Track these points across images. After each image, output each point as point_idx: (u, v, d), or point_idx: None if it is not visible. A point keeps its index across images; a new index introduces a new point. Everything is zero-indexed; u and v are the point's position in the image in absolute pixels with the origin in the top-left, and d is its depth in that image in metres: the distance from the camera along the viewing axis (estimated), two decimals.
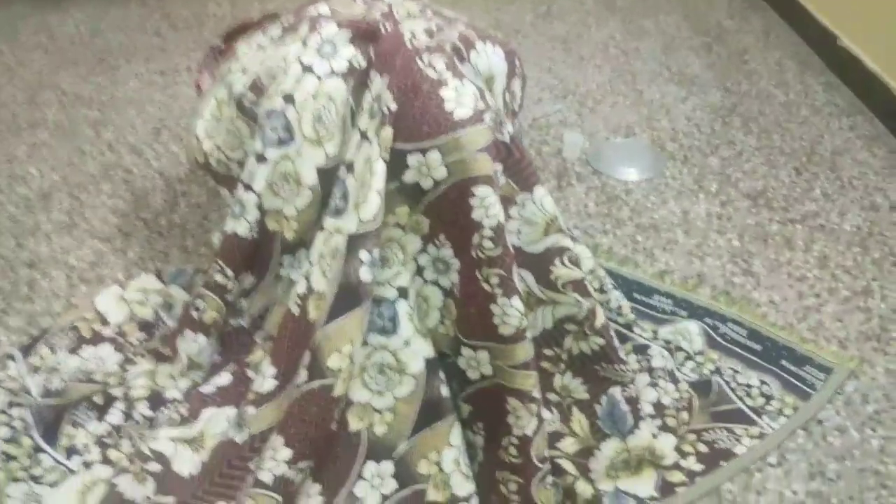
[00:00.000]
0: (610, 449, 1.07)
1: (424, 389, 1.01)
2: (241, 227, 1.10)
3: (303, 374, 0.96)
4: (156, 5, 2.61)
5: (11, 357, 1.22)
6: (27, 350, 1.23)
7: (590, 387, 1.09)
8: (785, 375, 1.24)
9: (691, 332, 1.29)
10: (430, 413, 1.01)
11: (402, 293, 1.00)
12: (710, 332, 1.31)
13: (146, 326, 1.29)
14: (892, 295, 1.41)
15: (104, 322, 1.29)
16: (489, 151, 0.95)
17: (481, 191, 0.94)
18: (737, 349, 1.28)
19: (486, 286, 0.96)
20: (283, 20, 1.26)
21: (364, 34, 1.06)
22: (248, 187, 1.09)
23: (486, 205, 0.95)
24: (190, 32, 2.42)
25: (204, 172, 1.36)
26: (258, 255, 1.13)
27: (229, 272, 1.11)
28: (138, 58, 2.25)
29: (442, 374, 1.02)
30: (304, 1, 1.28)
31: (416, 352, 1.00)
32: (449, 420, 1.01)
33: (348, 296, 0.96)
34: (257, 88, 1.13)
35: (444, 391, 1.02)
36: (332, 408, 0.95)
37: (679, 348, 1.26)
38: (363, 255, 0.95)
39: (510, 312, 0.96)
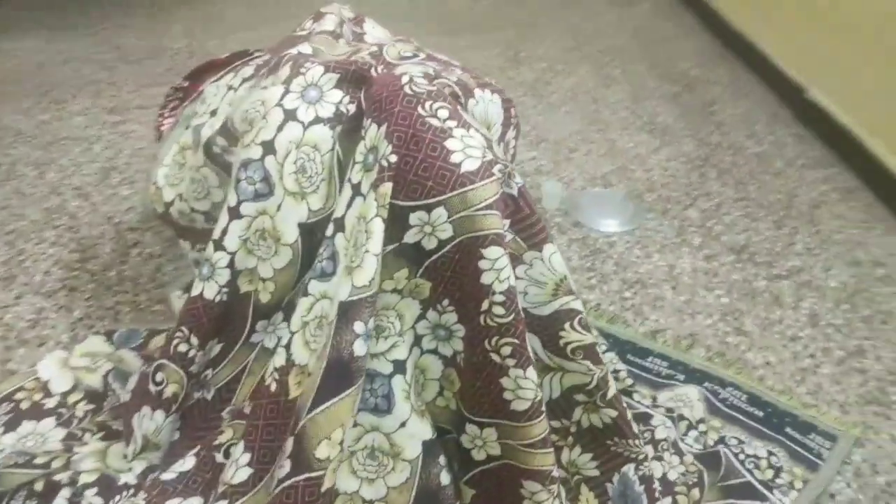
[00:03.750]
0: None
1: (420, 477, 0.90)
2: (210, 289, 0.98)
3: (286, 466, 0.83)
4: (108, 36, 2.48)
5: None
6: None
7: (600, 463, 0.99)
8: (791, 444, 1.17)
9: (691, 398, 1.22)
10: None
11: (399, 367, 0.89)
12: (711, 397, 1.23)
13: (94, 397, 1.14)
14: (886, 355, 1.37)
15: (47, 392, 1.14)
16: (498, 207, 0.87)
17: (491, 252, 0.85)
18: (739, 416, 1.21)
19: (495, 357, 0.86)
20: (257, 59, 1.16)
21: (354, 77, 0.97)
22: (219, 245, 0.97)
23: (498, 267, 0.85)
24: (143, 66, 2.29)
25: (163, 223, 1.23)
26: (228, 319, 1.00)
27: (195, 340, 0.99)
28: (86, 93, 2.10)
29: (442, 459, 0.91)
30: (278, 39, 1.19)
31: (413, 434, 0.89)
32: None
33: (339, 374, 0.84)
34: (229, 134, 1.03)
35: (445, 478, 0.91)
36: None
37: (681, 416, 1.18)
38: (357, 326, 0.84)
39: (525, 385, 0.86)
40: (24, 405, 1.12)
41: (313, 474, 0.83)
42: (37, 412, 1.11)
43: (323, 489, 0.83)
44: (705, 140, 2.09)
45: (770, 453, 1.15)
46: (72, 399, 1.14)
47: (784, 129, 2.16)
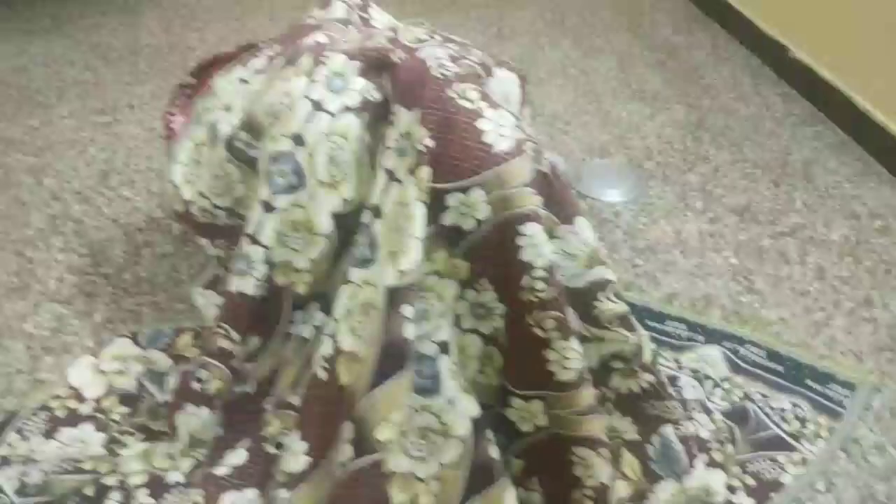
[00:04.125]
0: (665, 492, 1.01)
1: (473, 452, 0.91)
2: (248, 284, 0.98)
3: (346, 450, 0.85)
4: (83, 37, 2.42)
5: None
6: None
7: (640, 426, 1.02)
8: (812, 395, 1.21)
9: (714, 358, 1.25)
10: (480, 478, 0.91)
11: (443, 348, 0.91)
12: (731, 356, 1.27)
13: (129, 399, 1.14)
14: (892, 303, 1.42)
15: (80, 398, 1.14)
16: (533, 185, 0.88)
17: (529, 228, 0.86)
18: (760, 372, 1.25)
19: (538, 331, 0.88)
20: (266, 50, 1.15)
21: (376, 64, 0.97)
22: (254, 240, 0.97)
23: (536, 243, 0.87)
24: (124, 64, 2.25)
25: (181, 221, 1.23)
26: (266, 313, 1.01)
27: (235, 335, 0.99)
28: (70, 95, 2.06)
29: (489, 433, 0.93)
30: (284, 29, 1.18)
31: (462, 412, 0.91)
32: (502, 484, 0.92)
33: (393, 357, 0.86)
34: (253, 128, 1.02)
35: (494, 451, 0.93)
36: (386, 486, 0.85)
37: (706, 376, 1.21)
38: (406, 309, 0.86)
39: (570, 356, 0.88)
40: (60, 413, 1.12)
41: (376, 456, 0.84)
42: (73, 419, 1.11)
43: (387, 470, 0.85)
44: (695, 105, 2.11)
45: (794, 405, 1.19)
46: (106, 403, 1.14)
47: (770, 90, 2.19)
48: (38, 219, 1.55)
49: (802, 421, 1.17)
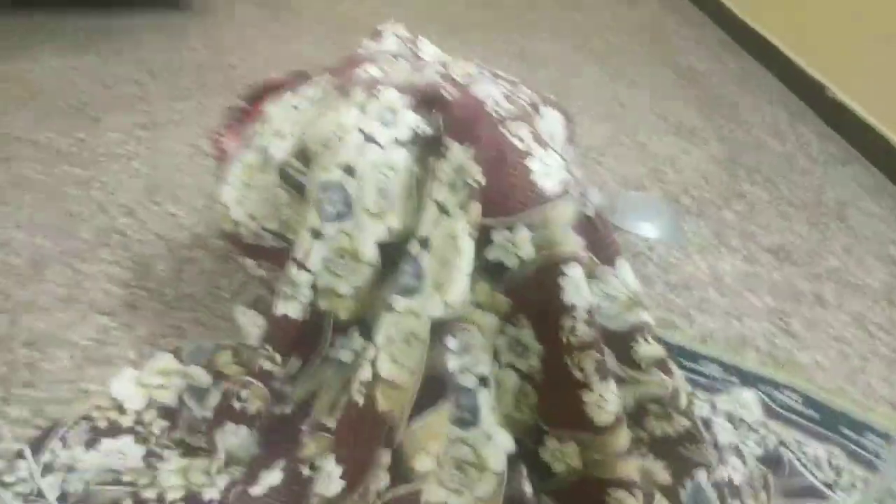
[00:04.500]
0: None
1: (506, 488, 0.92)
2: (293, 308, 1.00)
3: (383, 478, 0.86)
4: (131, 52, 2.49)
5: (21, 455, 1.08)
6: (37, 446, 1.09)
7: (673, 470, 1.02)
8: (848, 444, 1.20)
9: (748, 402, 1.25)
10: None
11: (483, 381, 0.92)
12: (767, 399, 1.26)
13: (168, 414, 1.16)
14: None
15: (121, 410, 1.16)
16: (576, 228, 0.89)
17: (572, 270, 0.88)
18: (796, 417, 1.24)
19: (576, 373, 0.89)
20: (321, 80, 1.18)
21: (427, 100, 0.99)
22: (301, 265, 1.00)
23: (578, 285, 0.88)
24: (169, 80, 2.31)
25: (228, 242, 1.26)
26: (307, 337, 1.03)
27: (277, 358, 1.01)
28: (117, 109, 2.12)
29: (523, 470, 0.94)
30: (339, 59, 1.21)
31: (499, 446, 0.92)
32: None
33: (434, 388, 0.87)
34: (304, 156, 1.05)
35: (528, 488, 0.94)
36: None
37: (741, 420, 1.21)
38: (450, 341, 0.87)
39: (609, 398, 0.89)
40: (101, 424, 1.14)
41: (413, 486, 0.86)
42: (114, 430, 1.13)
43: (423, 500, 0.86)
44: (728, 138, 2.12)
45: (829, 453, 1.18)
46: (147, 417, 1.16)
47: (805, 127, 2.19)
48: (85, 230, 1.59)
49: (838, 470, 1.16)
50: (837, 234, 1.73)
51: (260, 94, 1.27)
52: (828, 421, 1.24)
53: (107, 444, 1.11)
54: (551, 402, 0.92)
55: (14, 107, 2.10)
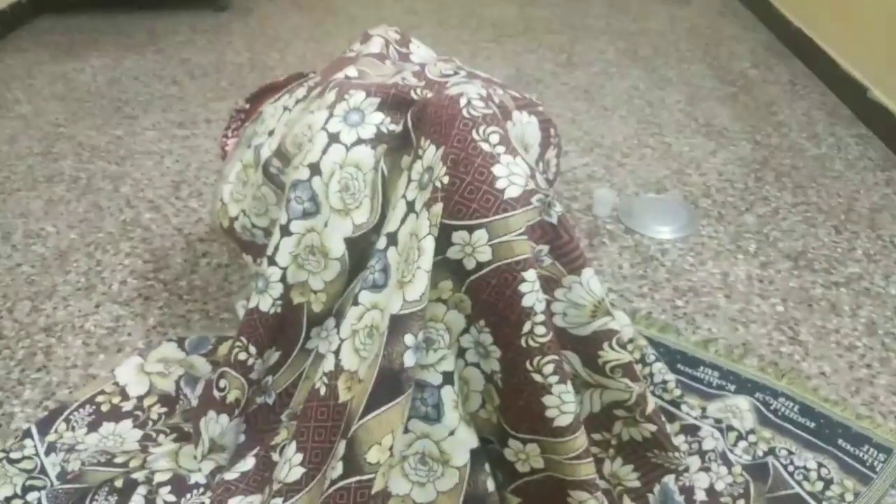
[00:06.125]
0: None
1: (468, 483, 0.94)
2: (265, 302, 1.04)
3: (338, 468, 0.89)
4: (173, 53, 2.60)
5: (29, 434, 1.15)
6: (44, 426, 1.17)
7: (641, 474, 1.02)
8: (842, 456, 1.17)
9: (741, 409, 1.22)
10: None
11: (448, 378, 0.94)
12: (762, 407, 1.24)
13: (167, 400, 1.22)
14: None
15: (125, 396, 1.22)
16: (536, 236, 0.90)
17: (530, 275, 0.88)
18: (790, 427, 1.21)
19: (537, 377, 0.90)
20: (309, 81, 1.22)
21: (394, 100, 1.01)
22: (272, 261, 1.04)
23: (536, 289, 0.89)
24: (208, 80, 2.40)
25: (227, 238, 1.31)
26: (284, 329, 1.07)
27: (252, 349, 1.06)
28: (155, 107, 2.22)
29: (487, 466, 0.96)
30: (331, 58, 1.24)
31: (462, 442, 0.94)
32: None
33: (390, 383, 0.89)
34: (283, 156, 1.09)
35: (490, 485, 0.95)
36: None
37: (730, 427, 1.19)
38: (408, 338, 0.89)
39: (567, 399, 0.89)
40: (105, 408, 1.21)
41: (364, 477, 0.88)
42: (116, 414, 1.20)
43: (373, 491, 0.88)
44: (763, 142, 2.06)
45: (820, 465, 1.15)
46: (147, 402, 1.22)
47: (844, 130, 2.11)
48: (110, 223, 1.67)
49: (827, 482, 1.13)
50: (864, 241, 1.67)
51: (262, 96, 1.32)
52: (824, 432, 1.20)
53: (107, 427, 1.18)
54: (513, 406, 0.93)
55: (59, 105, 2.22)
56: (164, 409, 1.21)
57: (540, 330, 0.88)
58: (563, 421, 0.90)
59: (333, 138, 0.99)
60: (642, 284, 1.53)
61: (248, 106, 1.32)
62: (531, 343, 0.89)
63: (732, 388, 1.28)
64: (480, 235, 0.88)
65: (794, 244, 1.66)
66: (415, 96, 0.99)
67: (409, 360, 0.89)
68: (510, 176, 0.90)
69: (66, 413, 1.19)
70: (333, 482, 0.89)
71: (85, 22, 2.87)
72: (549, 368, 0.89)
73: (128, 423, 1.19)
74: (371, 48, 1.16)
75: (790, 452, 1.17)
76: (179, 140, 2.04)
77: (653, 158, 1.99)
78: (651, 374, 1.19)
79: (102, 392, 1.23)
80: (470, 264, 0.90)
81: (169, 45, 2.65)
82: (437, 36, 2.68)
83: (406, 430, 0.94)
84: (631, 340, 1.21)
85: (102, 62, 2.49)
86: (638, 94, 2.34)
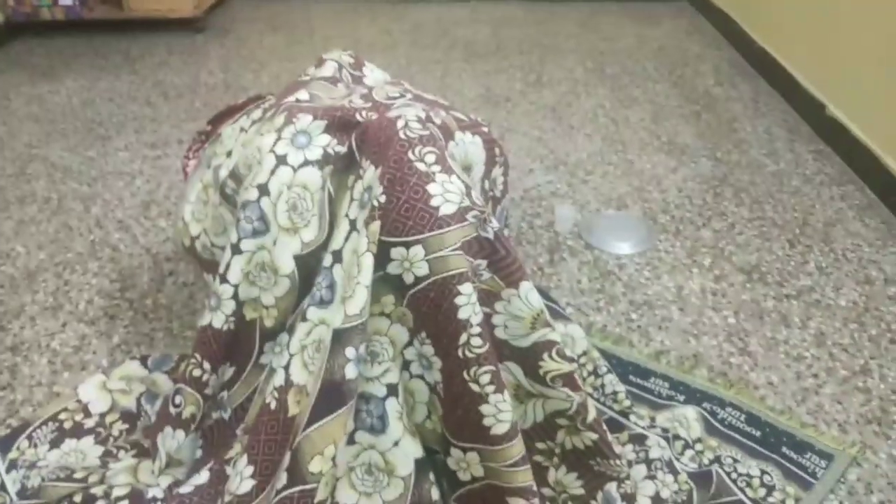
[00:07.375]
0: None
1: (413, 492, 0.97)
2: (217, 319, 1.08)
3: (282, 478, 0.92)
4: (148, 74, 2.64)
5: None
6: (6, 443, 1.19)
7: (585, 482, 1.05)
8: (786, 464, 1.21)
9: (689, 419, 1.26)
10: None
11: (392, 390, 0.97)
12: (709, 417, 1.27)
13: (129, 417, 1.25)
14: (890, 374, 1.39)
15: (87, 413, 1.25)
16: (473, 251, 0.94)
17: (466, 288, 0.92)
18: (736, 435, 1.25)
19: (474, 386, 0.93)
20: (265, 103, 1.26)
21: (340, 123, 1.06)
22: (223, 279, 1.07)
23: (472, 301, 0.93)
24: (182, 101, 2.44)
25: (189, 257, 1.34)
26: (237, 345, 1.10)
27: (206, 365, 1.09)
28: (128, 129, 2.25)
29: (432, 476, 0.99)
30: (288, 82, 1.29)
31: (406, 453, 0.97)
32: None
33: (332, 395, 0.93)
34: (236, 177, 1.13)
35: (435, 493, 0.98)
36: None
37: (677, 436, 1.22)
38: (349, 351, 0.93)
39: (504, 408, 0.93)
40: (67, 425, 1.23)
41: (307, 486, 0.91)
42: (78, 431, 1.22)
43: (315, 500, 0.91)
44: (723, 159, 2.12)
45: (763, 472, 1.19)
46: (109, 419, 1.24)
47: (804, 146, 2.17)
48: (80, 244, 1.70)
49: (769, 489, 1.17)
50: (818, 254, 1.72)
51: (222, 117, 1.36)
52: (769, 440, 1.24)
53: (69, 443, 1.20)
54: (452, 414, 0.97)
55: (34, 126, 2.25)
56: (125, 426, 1.24)
57: (476, 341, 0.92)
58: (500, 429, 0.93)
59: (281, 160, 1.03)
60: (599, 298, 1.57)
61: (209, 127, 1.36)
62: (468, 354, 0.92)
63: (682, 398, 1.32)
64: (417, 251, 0.92)
65: (749, 258, 1.70)
66: (360, 118, 1.04)
67: (350, 372, 0.93)
68: (445, 194, 0.94)
69: (28, 430, 1.22)
70: (278, 492, 0.92)
71: (62, 44, 2.91)
72: (485, 378, 0.92)
73: (89, 439, 1.21)
74: (324, 72, 1.20)
75: (735, 460, 1.21)
76: (151, 161, 2.07)
77: (615, 175, 2.04)
78: (602, 386, 1.23)
79: (65, 409, 1.25)
80: (409, 279, 0.93)
81: (144, 67, 2.69)
82: (411, 56, 2.73)
83: (353, 442, 0.98)
84: (585, 353, 1.25)
85: (78, 84, 2.53)
86: (604, 112, 2.39)
